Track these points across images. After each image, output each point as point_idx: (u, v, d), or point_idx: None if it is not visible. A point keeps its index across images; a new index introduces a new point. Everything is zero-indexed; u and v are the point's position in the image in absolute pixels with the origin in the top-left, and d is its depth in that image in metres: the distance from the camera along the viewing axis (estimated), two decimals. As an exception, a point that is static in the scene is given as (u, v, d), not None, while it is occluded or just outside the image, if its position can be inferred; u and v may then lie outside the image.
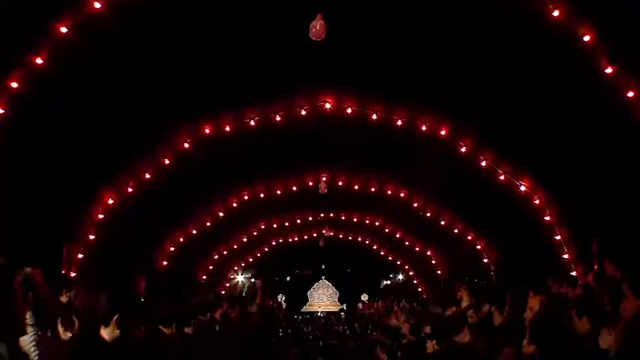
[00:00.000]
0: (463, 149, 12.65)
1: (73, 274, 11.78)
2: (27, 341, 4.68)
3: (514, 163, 12.66)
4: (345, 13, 9.25)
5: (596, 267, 9.80)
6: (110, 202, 12.84)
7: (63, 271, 11.43)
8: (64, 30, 9.02)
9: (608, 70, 9.30)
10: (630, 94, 9.28)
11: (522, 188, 12.88)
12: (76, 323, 5.87)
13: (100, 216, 12.79)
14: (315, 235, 22.76)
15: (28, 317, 4.77)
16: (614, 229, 10.32)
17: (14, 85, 9.21)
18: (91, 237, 12.66)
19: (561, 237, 12.72)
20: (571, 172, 11.10)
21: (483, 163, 12.81)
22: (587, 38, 9.15)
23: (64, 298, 6.92)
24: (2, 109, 9.23)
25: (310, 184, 16.01)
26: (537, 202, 12.84)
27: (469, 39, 9.78)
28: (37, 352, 4.73)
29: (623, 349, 4.05)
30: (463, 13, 9.50)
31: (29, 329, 4.74)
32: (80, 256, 12.36)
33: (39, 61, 9.19)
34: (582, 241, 11.78)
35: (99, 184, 12.42)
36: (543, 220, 12.89)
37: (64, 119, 10.03)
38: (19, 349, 4.03)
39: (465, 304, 9.41)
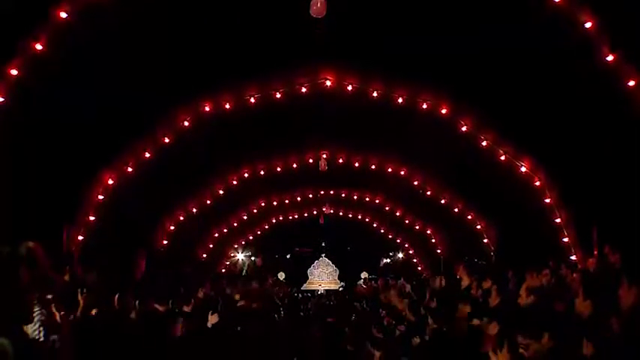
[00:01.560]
0: (464, 128, 12.59)
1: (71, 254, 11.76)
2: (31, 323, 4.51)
3: (515, 143, 12.60)
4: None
5: (595, 253, 9.78)
6: (110, 182, 12.80)
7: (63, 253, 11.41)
8: (63, 15, 9.01)
9: (610, 58, 9.30)
10: (631, 83, 9.28)
11: (523, 169, 12.85)
12: (81, 302, 5.86)
13: (100, 197, 12.76)
14: (315, 212, 22.74)
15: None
16: (615, 214, 10.30)
17: (14, 72, 9.20)
18: (91, 218, 12.65)
19: (561, 220, 12.73)
20: (572, 155, 11.06)
21: (484, 143, 12.76)
22: (588, 25, 9.12)
23: (66, 277, 6.87)
24: (2, 96, 9.21)
25: (310, 161, 15.97)
26: (538, 183, 12.82)
27: (471, 22, 9.72)
28: (42, 332, 4.58)
29: (624, 338, 4.04)
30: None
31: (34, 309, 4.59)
32: (80, 237, 12.36)
33: (38, 47, 9.19)
34: (582, 225, 11.77)
35: (99, 165, 12.36)
36: (544, 202, 12.89)
37: (64, 101, 9.98)
38: (25, 339, 3.89)
39: (464, 283, 9.41)
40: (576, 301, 5.07)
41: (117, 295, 7.03)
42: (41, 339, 4.55)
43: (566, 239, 12.64)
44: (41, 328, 4.56)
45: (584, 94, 9.92)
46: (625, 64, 9.22)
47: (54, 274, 5.47)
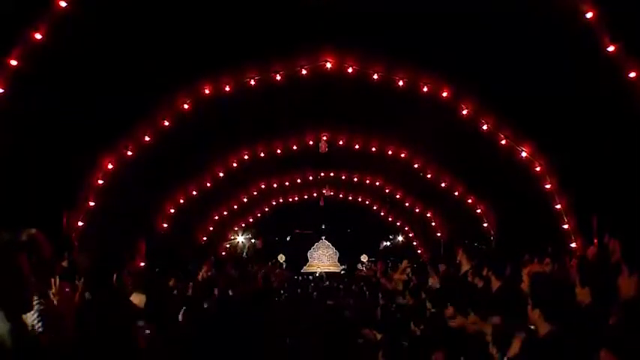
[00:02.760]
0: (465, 112, 12.54)
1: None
2: (30, 311, 4.43)
3: (515, 129, 12.56)
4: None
5: (595, 241, 9.77)
6: (110, 166, 12.76)
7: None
8: (63, 4, 8.98)
9: (611, 49, 9.29)
10: (632, 74, 9.27)
11: (524, 154, 12.82)
12: (80, 287, 5.83)
13: (100, 181, 12.73)
14: (315, 194, 22.71)
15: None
16: (615, 203, 10.28)
17: (14, 62, 9.21)
18: (91, 203, 12.64)
19: (561, 206, 12.72)
20: (572, 142, 11.03)
21: (485, 127, 12.71)
22: (589, 15, 9.08)
23: (64, 263, 6.82)
24: (1, 87, 9.20)
25: (311, 143, 15.91)
26: (538, 169, 12.80)
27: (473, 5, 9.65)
28: (41, 322, 4.46)
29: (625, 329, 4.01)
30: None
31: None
32: (80, 223, 12.36)
33: (38, 36, 9.19)
34: (582, 212, 11.76)
35: (98, 149, 12.32)
36: (544, 188, 12.88)
37: (63, 85, 9.92)
38: (24, 328, 3.83)
39: (464, 268, 9.41)
40: (576, 289, 5.06)
41: (115, 275, 7.02)
42: (40, 329, 4.44)
43: (566, 226, 12.63)
44: (40, 318, 4.45)
45: (587, 80, 9.88)
46: (627, 53, 9.20)
47: (55, 263, 5.41)
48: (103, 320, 5.41)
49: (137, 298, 6.88)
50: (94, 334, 5.30)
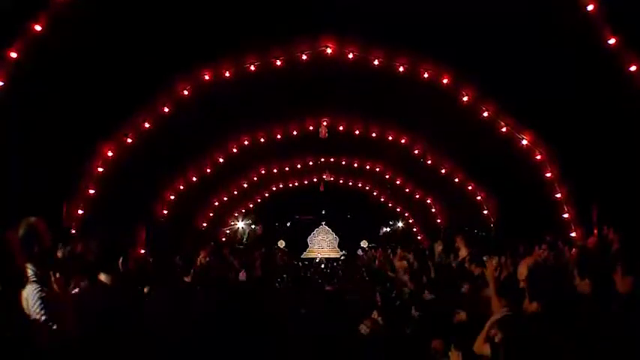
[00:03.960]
0: (465, 98, 12.49)
1: (72, 231, 11.77)
2: (32, 300, 4.40)
3: (516, 116, 12.53)
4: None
5: (595, 232, 9.78)
6: (110, 154, 12.74)
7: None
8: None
9: (612, 41, 9.33)
10: (633, 67, 9.29)
11: (524, 142, 12.79)
12: (73, 279, 5.80)
13: (100, 169, 12.72)
14: (315, 180, 22.68)
15: (31, 274, 4.46)
16: (615, 193, 10.28)
17: (13, 55, 9.23)
18: (91, 191, 12.63)
19: (562, 195, 12.72)
20: (572, 132, 11.00)
21: (485, 114, 12.67)
22: (590, 7, 9.06)
23: (59, 254, 6.80)
24: (2, 80, 9.19)
25: (311, 128, 15.86)
26: (539, 157, 12.78)
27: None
28: (43, 311, 4.43)
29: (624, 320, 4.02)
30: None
31: (33, 286, 4.46)
32: (80, 212, 12.34)
33: (37, 27, 9.23)
34: (582, 202, 11.76)
35: (98, 138, 12.29)
36: (544, 177, 12.87)
37: (62, 73, 9.88)
38: (18, 311, 3.80)
39: (462, 254, 9.43)
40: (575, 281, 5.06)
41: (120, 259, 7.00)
42: (43, 317, 4.40)
43: (566, 215, 12.65)
44: (42, 306, 4.40)
45: (587, 71, 9.86)
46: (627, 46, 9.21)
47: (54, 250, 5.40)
48: (111, 306, 5.39)
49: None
50: (100, 321, 5.29)
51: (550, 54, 10.12)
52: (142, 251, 11.01)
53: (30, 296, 4.43)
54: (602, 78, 9.74)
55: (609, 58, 9.35)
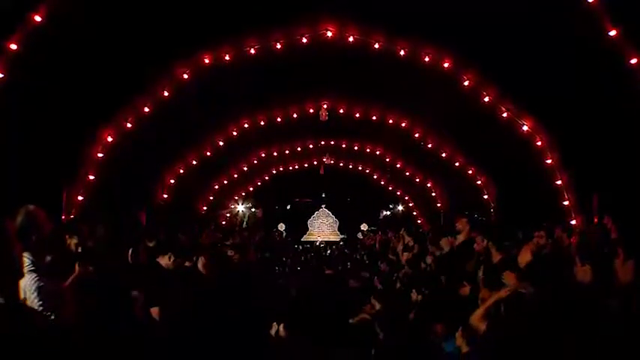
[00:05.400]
0: (466, 83, 12.45)
1: (72, 217, 11.78)
2: (29, 290, 4.38)
3: (517, 102, 12.50)
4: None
5: (596, 220, 9.78)
6: (109, 139, 12.71)
7: (63, 216, 11.42)
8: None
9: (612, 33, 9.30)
10: (634, 60, 9.26)
11: (525, 128, 12.76)
12: (76, 268, 5.81)
13: (100, 155, 12.70)
14: (315, 163, 22.66)
15: (29, 263, 4.48)
16: (615, 183, 10.27)
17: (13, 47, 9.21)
18: (91, 177, 12.62)
19: (562, 182, 12.72)
20: (573, 120, 10.98)
21: (486, 99, 12.63)
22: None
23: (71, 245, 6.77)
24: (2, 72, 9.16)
25: (311, 111, 15.82)
26: (539, 143, 12.76)
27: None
28: (40, 301, 4.41)
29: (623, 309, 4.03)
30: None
31: (31, 275, 4.48)
32: (80, 198, 12.35)
33: (37, 18, 9.22)
34: (583, 190, 11.77)
35: (98, 123, 12.26)
36: (545, 163, 12.86)
37: (61, 58, 9.84)
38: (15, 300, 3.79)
39: (460, 237, 9.44)
40: (575, 268, 5.06)
41: (130, 250, 7.03)
42: (41, 307, 4.39)
43: (566, 202, 12.65)
44: (40, 296, 4.39)
45: (589, 58, 9.82)
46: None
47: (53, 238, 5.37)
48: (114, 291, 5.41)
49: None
50: (100, 306, 5.30)
51: (551, 41, 10.07)
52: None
53: (28, 286, 4.43)
54: (603, 66, 9.70)
55: (611, 46, 9.30)
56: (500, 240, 7.90)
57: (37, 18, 9.18)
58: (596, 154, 10.67)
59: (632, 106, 9.49)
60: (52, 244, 5.15)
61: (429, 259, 10.15)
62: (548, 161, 12.77)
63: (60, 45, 9.64)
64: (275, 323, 6.81)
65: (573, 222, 12.11)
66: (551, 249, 7.21)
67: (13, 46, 9.19)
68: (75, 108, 10.62)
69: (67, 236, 6.81)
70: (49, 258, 4.94)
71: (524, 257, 6.38)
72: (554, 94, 10.84)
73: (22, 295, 4.19)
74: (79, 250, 6.51)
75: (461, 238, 9.54)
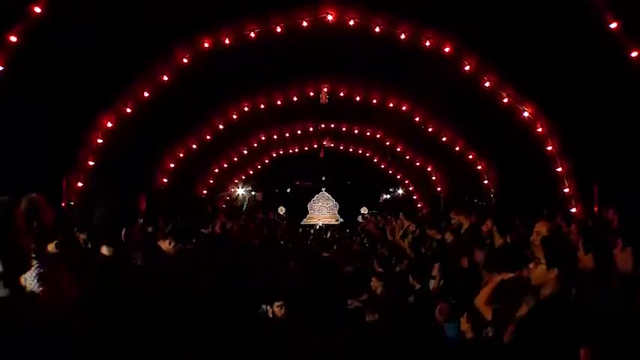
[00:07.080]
0: (467, 67, 12.42)
1: (72, 202, 11.82)
2: (29, 276, 4.38)
3: (518, 88, 12.47)
4: None
5: (596, 209, 9.79)
6: (109, 125, 12.70)
7: (63, 203, 11.43)
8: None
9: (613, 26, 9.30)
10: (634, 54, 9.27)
11: (526, 114, 12.74)
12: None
13: (99, 140, 12.70)
14: (315, 146, 22.64)
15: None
16: (616, 171, 10.27)
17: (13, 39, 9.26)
18: (91, 163, 12.61)
19: (563, 170, 12.72)
20: (574, 106, 10.95)
21: (487, 84, 12.61)
22: None
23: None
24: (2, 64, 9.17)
25: (311, 94, 15.78)
26: (540, 130, 12.75)
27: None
28: (40, 288, 4.42)
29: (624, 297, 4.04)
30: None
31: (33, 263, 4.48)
32: (80, 184, 12.36)
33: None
34: (583, 178, 11.76)
35: (97, 109, 12.24)
36: (545, 150, 12.86)
37: (60, 43, 9.81)
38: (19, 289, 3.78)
39: (454, 221, 9.45)
40: (578, 254, 5.07)
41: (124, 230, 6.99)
42: (38, 290, 4.39)
43: (566, 190, 12.66)
44: (41, 282, 4.39)
45: (591, 45, 9.79)
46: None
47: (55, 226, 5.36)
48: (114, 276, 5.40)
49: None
50: (103, 291, 5.30)
51: (552, 27, 10.03)
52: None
53: (28, 273, 4.44)
54: (605, 53, 9.67)
55: (613, 34, 9.27)
56: (503, 224, 7.89)
57: (37, 9, 9.18)
58: (597, 143, 10.64)
59: (633, 95, 9.46)
60: (55, 231, 5.14)
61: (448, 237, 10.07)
62: (549, 148, 12.76)
63: (59, 31, 9.60)
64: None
65: (573, 210, 12.13)
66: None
67: (13, 38, 9.21)
68: (74, 94, 10.60)
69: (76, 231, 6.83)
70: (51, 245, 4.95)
71: (541, 231, 6.34)
72: (555, 81, 10.82)
73: (22, 283, 4.21)
74: (89, 246, 6.50)
75: (466, 223, 9.53)
